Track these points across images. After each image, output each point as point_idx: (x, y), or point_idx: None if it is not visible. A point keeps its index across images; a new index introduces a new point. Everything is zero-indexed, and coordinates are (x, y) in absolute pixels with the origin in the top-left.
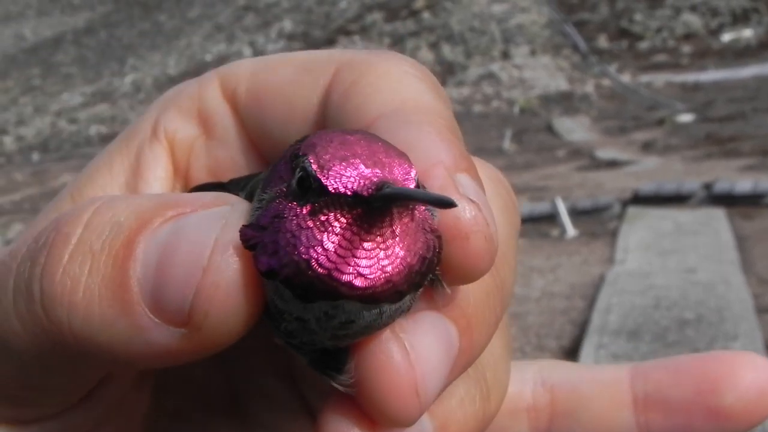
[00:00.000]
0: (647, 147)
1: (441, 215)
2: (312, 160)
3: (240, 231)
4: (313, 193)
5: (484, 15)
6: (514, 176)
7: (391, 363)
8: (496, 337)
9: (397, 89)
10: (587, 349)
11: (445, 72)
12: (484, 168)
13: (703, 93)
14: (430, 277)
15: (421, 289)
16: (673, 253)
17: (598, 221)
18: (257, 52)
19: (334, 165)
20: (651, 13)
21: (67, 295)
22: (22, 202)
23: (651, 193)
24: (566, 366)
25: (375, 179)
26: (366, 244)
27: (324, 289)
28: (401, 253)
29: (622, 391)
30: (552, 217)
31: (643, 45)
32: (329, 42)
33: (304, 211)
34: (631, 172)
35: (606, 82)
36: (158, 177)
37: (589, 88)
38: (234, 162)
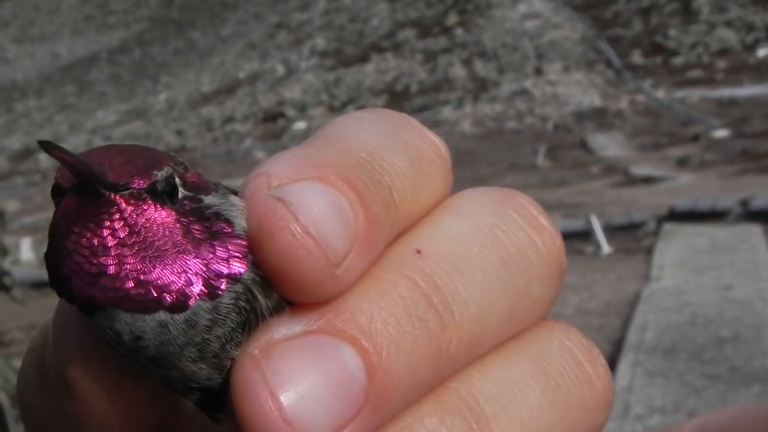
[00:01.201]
0: (682, 163)
1: (248, 221)
2: (57, 170)
3: None
4: (57, 197)
5: (517, 31)
6: (547, 193)
7: (256, 402)
8: (512, 362)
9: (325, 129)
10: (623, 367)
11: (478, 88)
12: (489, 193)
13: (738, 108)
14: (244, 293)
15: (243, 303)
16: (709, 270)
17: (633, 238)
18: (290, 69)
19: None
20: (685, 29)
21: None
22: None
23: (687, 210)
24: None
25: (81, 176)
26: (98, 239)
27: (84, 296)
28: (146, 249)
29: None
30: (586, 234)
31: (678, 60)
32: (362, 59)
33: (54, 215)
34: (667, 189)
35: (640, 98)
36: None
37: (623, 104)
38: None
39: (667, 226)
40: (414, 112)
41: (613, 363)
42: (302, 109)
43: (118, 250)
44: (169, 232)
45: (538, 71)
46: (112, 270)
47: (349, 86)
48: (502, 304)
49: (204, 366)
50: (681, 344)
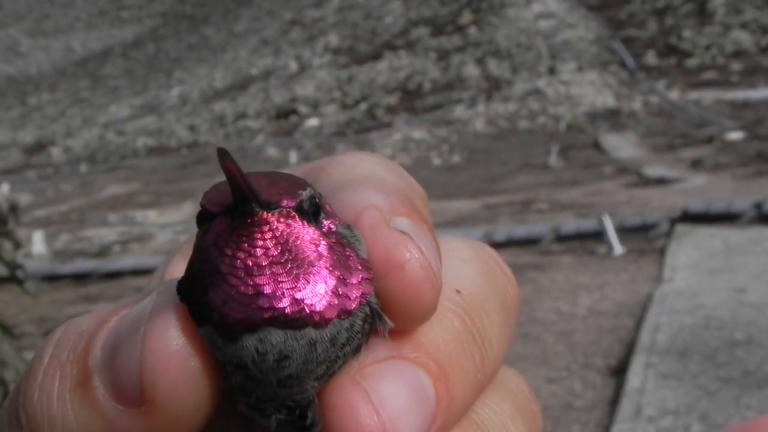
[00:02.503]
0: (696, 165)
1: (372, 251)
2: (205, 195)
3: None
4: (205, 223)
5: (531, 30)
6: (560, 193)
7: (357, 415)
8: (500, 398)
9: (351, 168)
10: (636, 369)
11: (491, 87)
12: (467, 241)
13: (752, 111)
14: (370, 315)
15: (366, 325)
16: (722, 273)
17: (645, 239)
18: (303, 66)
19: (213, 190)
20: (700, 30)
21: (45, 411)
22: (70, 213)
23: (700, 212)
24: None
25: (240, 192)
26: (252, 259)
27: (237, 318)
28: (289, 266)
29: None
30: (599, 235)
31: (692, 62)
32: (375, 56)
33: (201, 244)
34: (680, 190)
35: (654, 98)
36: None
37: (637, 104)
38: None
39: (680, 228)
40: (426, 110)
41: (625, 364)
42: (315, 105)
43: (272, 269)
44: (315, 249)
45: (552, 71)
46: (268, 289)
47: (361, 84)
48: (505, 343)
49: (316, 384)
50: (694, 346)
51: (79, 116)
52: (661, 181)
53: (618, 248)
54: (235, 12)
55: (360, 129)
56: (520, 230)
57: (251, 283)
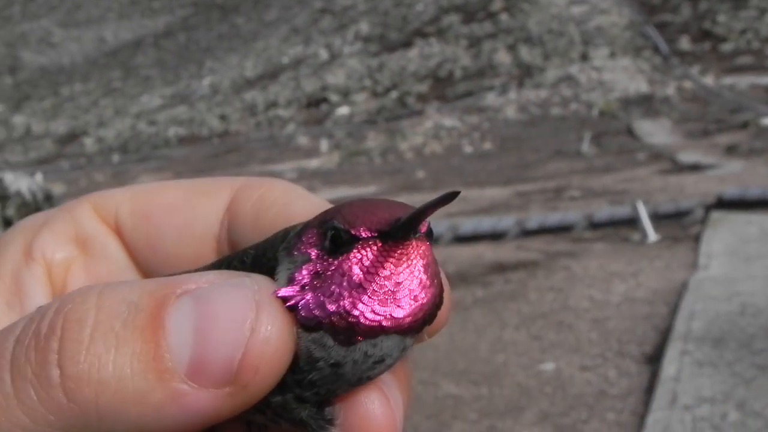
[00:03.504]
0: (731, 150)
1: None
2: (339, 220)
3: (278, 293)
4: (345, 245)
5: (563, 16)
6: (593, 179)
7: (378, 411)
8: None
9: (304, 200)
10: (671, 356)
11: (523, 74)
12: None
13: None
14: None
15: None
16: (758, 259)
17: (680, 226)
18: (334, 55)
19: (357, 218)
20: (735, 15)
21: (95, 374)
22: None
23: (736, 198)
24: None
25: (391, 217)
26: (398, 277)
27: (368, 328)
28: (427, 282)
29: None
30: (632, 222)
31: (727, 47)
32: (406, 44)
33: (342, 263)
34: (715, 176)
35: (688, 84)
36: (40, 294)
37: (671, 90)
38: (113, 276)
39: (716, 214)
40: (457, 98)
41: (660, 352)
42: (345, 94)
43: (414, 284)
44: (435, 268)
45: (584, 57)
46: (404, 303)
47: (392, 72)
48: None
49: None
50: (730, 334)
51: (111, 106)
52: (695, 168)
53: (652, 235)
54: (266, 1)
55: (391, 117)
56: (553, 218)
57: (394, 297)
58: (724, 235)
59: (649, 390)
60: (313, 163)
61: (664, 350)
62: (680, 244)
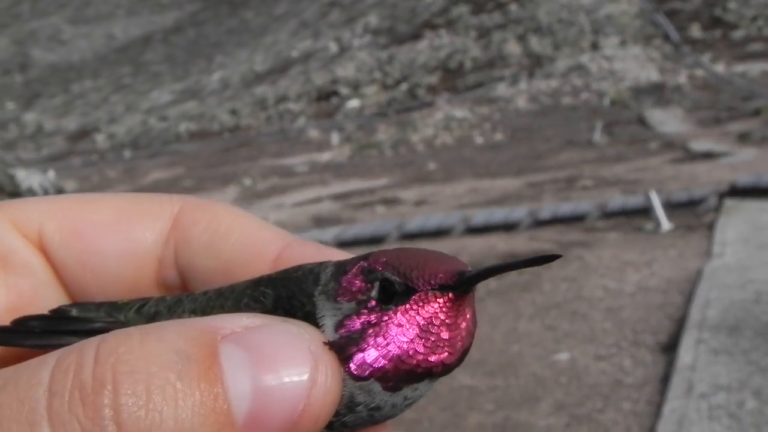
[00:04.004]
0: (743, 138)
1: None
2: (391, 272)
3: (331, 344)
4: (399, 297)
5: (573, 6)
6: (605, 169)
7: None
8: None
9: (265, 231)
10: (686, 345)
11: (533, 64)
12: None
13: None
14: None
15: None
16: None
17: (693, 214)
18: (343, 48)
19: (412, 270)
20: (746, 1)
21: (156, 430)
22: None
23: (749, 185)
24: None
25: (453, 270)
26: (454, 328)
27: (419, 376)
28: (473, 329)
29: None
30: (646, 211)
31: (738, 34)
32: (415, 36)
33: (398, 314)
34: (727, 164)
35: (699, 72)
36: None
37: (682, 78)
38: (37, 293)
39: (729, 202)
40: (468, 89)
41: (675, 341)
42: (355, 87)
43: (464, 333)
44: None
45: (595, 46)
46: (447, 350)
47: (402, 64)
48: None
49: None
50: (745, 322)
51: (121, 103)
52: (708, 156)
53: (665, 224)
54: None
55: (401, 109)
56: (566, 207)
57: (447, 345)
58: (737, 223)
59: (665, 379)
60: (324, 156)
61: (679, 339)
62: (694, 233)
